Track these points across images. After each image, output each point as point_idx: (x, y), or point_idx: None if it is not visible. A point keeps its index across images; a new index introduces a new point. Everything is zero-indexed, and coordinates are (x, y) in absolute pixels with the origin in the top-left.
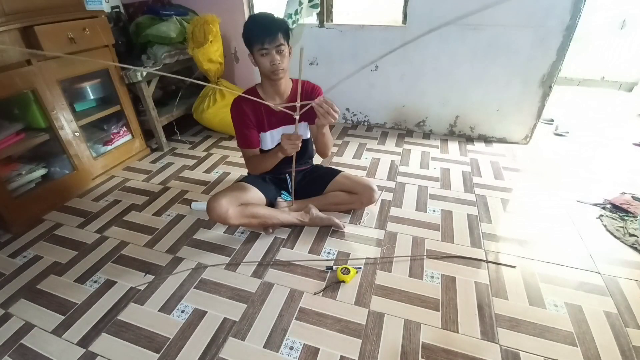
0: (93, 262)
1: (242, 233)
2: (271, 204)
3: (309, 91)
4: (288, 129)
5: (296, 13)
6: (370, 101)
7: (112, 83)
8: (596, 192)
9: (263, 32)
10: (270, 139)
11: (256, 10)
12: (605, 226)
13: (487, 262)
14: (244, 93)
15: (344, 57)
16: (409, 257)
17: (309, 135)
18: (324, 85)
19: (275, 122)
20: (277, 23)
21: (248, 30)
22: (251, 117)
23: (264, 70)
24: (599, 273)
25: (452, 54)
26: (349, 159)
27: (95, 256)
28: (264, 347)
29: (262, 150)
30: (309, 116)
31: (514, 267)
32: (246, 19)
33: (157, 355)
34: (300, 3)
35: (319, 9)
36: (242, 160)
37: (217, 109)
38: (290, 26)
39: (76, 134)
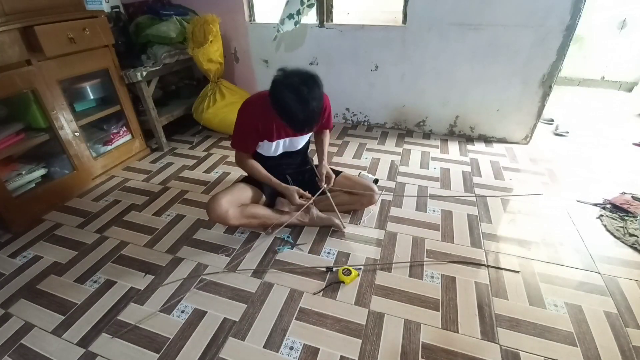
0: (93, 262)
1: (242, 233)
2: (271, 204)
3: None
4: (295, 140)
5: (298, 13)
6: (370, 101)
7: (112, 83)
8: (596, 192)
9: (306, 126)
10: (275, 147)
11: (256, 11)
12: (605, 226)
13: (488, 266)
14: (256, 102)
15: (344, 57)
16: (409, 263)
17: (307, 141)
18: (324, 85)
19: (284, 133)
20: (320, 113)
21: (290, 114)
22: (259, 127)
23: None
24: (599, 273)
25: (452, 53)
26: (349, 159)
27: (95, 256)
28: (264, 347)
29: (264, 157)
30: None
31: (517, 272)
32: (283, 78)
33: (157, 355)
34: (302, 3)
35: (314, 7)
36: None
37: (217, 109)
38: (293, 26)
39: (76, 134)
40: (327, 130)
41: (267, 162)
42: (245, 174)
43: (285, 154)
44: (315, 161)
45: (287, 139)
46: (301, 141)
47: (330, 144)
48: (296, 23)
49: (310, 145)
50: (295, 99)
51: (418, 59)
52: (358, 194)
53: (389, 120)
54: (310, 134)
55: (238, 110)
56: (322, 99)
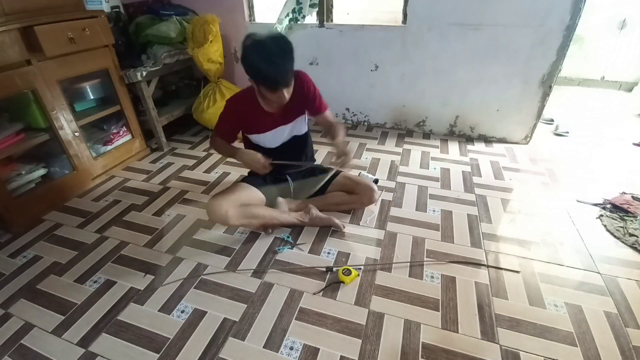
0: (93, 262)
1: (242, 233)
2: (271, 204)
3: (296, 78)
4: (282, 129)
5: (294, 11)
6: (370, 101)
7: (112, 83)
8: (596, 192)
9: (279, 77)
10: (271, 138)
11: (256, 11)
12: (605, 226)
13: (488, 266)
14: (241, 94)
15: (344, 57)
16: (409, 263)
17: (306, 129)
18: (324, 85)
19: (271, 123)
20: (290, 64)
21: (260, 70)
22: (244, 118)
23: (269, 99)
24: (599, 273)
25: (452, 54)
26: None
27: (95, 256)
28: (264, 347)
29: (259, 147)
30: (303, 108)
31: (517, 272)
32: (250, 41)
33: (157, 355)
34: (299, 2)
35: (317, 8)
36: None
37: (217, 109)
38: (288, 23)
39: (76, 134)
40: (327, 112)
41: (268, 155)
42: (245, 175)
43: (284, 147)
44: (318, 162)
45: (280, 128)
46: (297, 128)
47: (330, 144)
48: (292, 20)
49: (314, 147)
50: (261, 53)
51: (418, 59)
52: (356, 197)
53: (389, 120)
54: (303, 117)
55: (226, 100)
56: (291, 55)
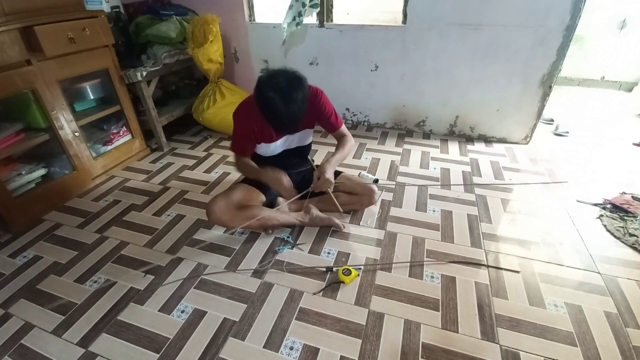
0: (93, 262)
1: (242, 233)
2: (271, 204)
3: (312, 97)
4: (290, 137)
5: (300, 15)
6: (370, 101)
7: (112, 83)
8: (596, 192)
9: (282, 128)
10: (274, 146)
11: (256, 11)
12: (605, 226)
13: (488, 266)
14: (247, 105)
15: (344, 57)
16: (409, 263)
17: (310, 141)
18: (324, 85)
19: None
20: (299, 120)
21: (276, 116)
22: (256, 129)
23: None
24: (599, 273)
25: (452, 53)
26: (349, 159)
27: (95, 256)
28: (264, 347)
29: (263, 158)
30: (313, 123)
31: (517, 272)
32: (266, 76)
33: (157, 355)
34: (304, 5)
35: (318, 9)
36: None
37: (217, 109)
38: (294, 28)
39: (76, 134)
40: (342, 128)
41: (268, 161)
42: None
43: (287, 153)
44: (316, 162)
45: (288, 137)
46: (303, 139)
47: (330, 144)
48: (297, 24)
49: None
50: (280, 100)
51: (418, 59)
52: (356, 197)
53: (389, 120)
54: (311, 130)
55: (233, 115)
56: (306, 101)
